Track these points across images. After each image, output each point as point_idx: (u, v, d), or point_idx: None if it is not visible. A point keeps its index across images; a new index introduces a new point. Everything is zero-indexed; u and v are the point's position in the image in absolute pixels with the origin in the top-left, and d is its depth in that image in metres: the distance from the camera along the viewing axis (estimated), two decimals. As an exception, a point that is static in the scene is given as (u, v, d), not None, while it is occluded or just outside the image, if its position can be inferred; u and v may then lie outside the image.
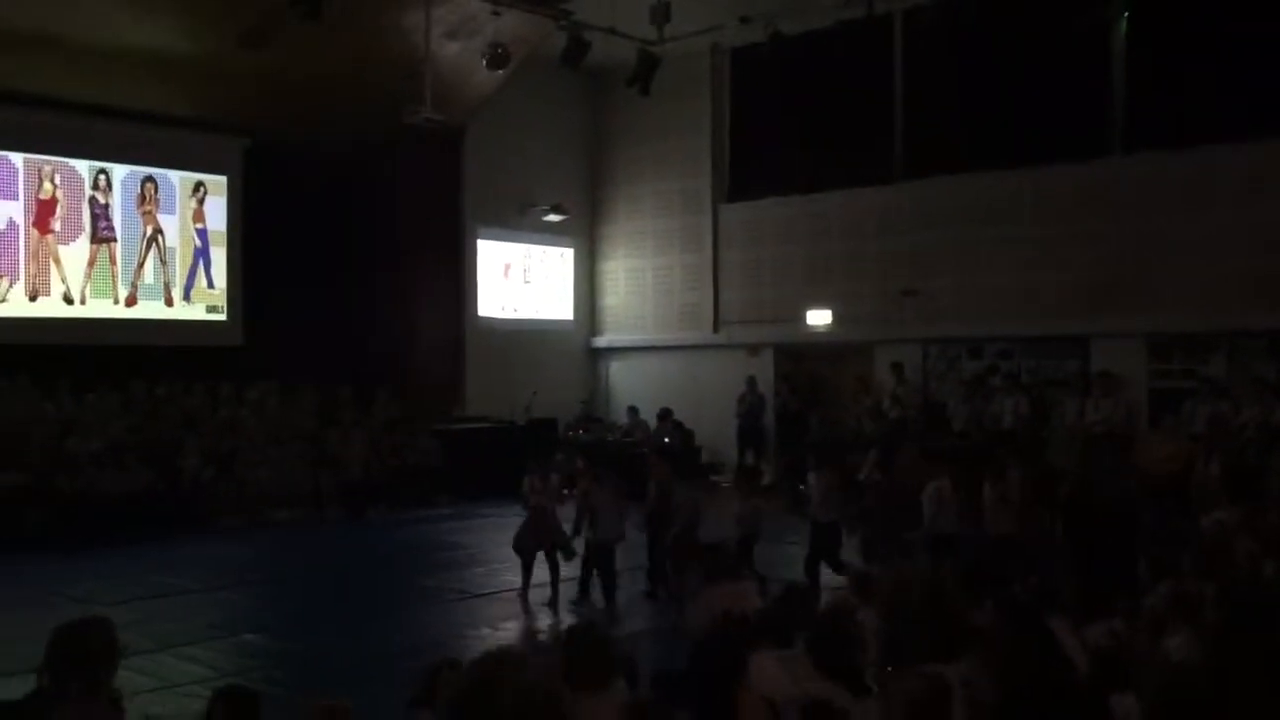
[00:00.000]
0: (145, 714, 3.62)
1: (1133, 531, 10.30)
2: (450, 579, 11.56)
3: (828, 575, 10.24)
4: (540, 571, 10.63)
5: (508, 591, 10.82)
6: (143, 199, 16.98)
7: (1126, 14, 15.43)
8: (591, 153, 21.69)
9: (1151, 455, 13.76)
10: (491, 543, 12.89)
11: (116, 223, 16.67)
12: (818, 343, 18.88)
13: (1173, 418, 14.21)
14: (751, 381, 18.72)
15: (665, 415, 18.08)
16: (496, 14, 15.90)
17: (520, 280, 20.84)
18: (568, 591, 10.53)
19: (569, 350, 21.41)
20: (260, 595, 11.02)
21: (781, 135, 19.18)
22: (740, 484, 11.46)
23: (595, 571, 10.49)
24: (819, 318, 18.55)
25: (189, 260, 17.52)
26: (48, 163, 15.97)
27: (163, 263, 17.20)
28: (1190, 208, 14.95)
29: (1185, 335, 15.15)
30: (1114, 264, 15.52)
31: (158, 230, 17.13)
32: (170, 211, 17.30)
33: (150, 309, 17.02)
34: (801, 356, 19.41)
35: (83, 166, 16.34)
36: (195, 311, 17.56)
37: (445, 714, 1.88)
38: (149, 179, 17.05)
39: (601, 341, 21.76)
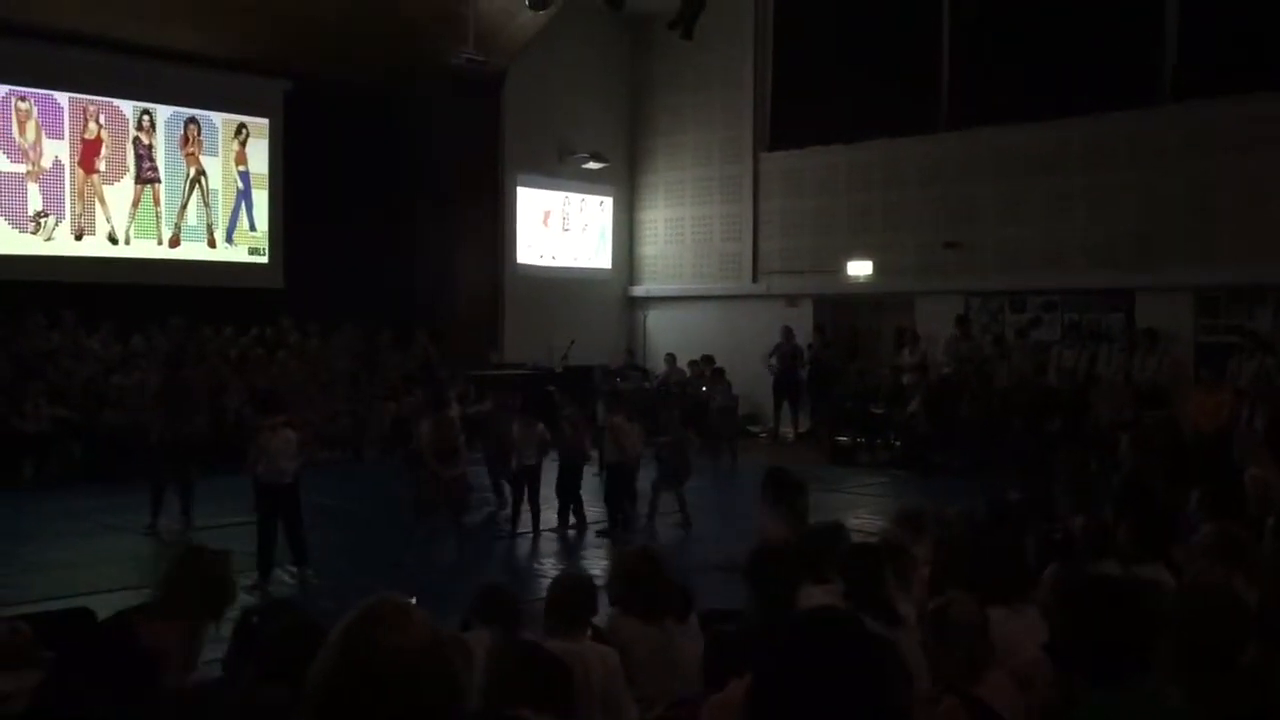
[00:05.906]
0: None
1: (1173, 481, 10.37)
2: (486, 518, 11.63)
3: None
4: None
5: (546, 531, 10.93)
6: (186, 140, 17.06)
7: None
8: (632, 100, 21.55)
9: (1194, 409, 13.61)
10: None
11: (160, 164, 16.76)
12: (858, 294, 18.74)
13: (1206, 370, 14.00)
14: (787, 332, 18.45)
15: (708, 361, 17.65)
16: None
17: (559, 228, 20.82)
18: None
19: (607, 299, 21.40)
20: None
21: (825, 83, 18.91)
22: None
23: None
24: (859, 269, 18.41)
25: (231, 202, 17.62)
26: (93, 103, 16.06)
27: (205, 204, 17.31)
28: (1239, 157, 14.67)
29: (1232, 288, 14.94)
30: (1161, 216, 15.29)
31: (200, 172, 17.22)
32: (213, 153, 17.37)
33: (193, 250, 17.14)
34: (841, 308, 19.28)
35: (127, 107, 16.42)
36: (237, 253, 17.67)
37: (311, 698, 1.73)
38: (192, 120, 17.11)
39: (639, 290, 21.73)
